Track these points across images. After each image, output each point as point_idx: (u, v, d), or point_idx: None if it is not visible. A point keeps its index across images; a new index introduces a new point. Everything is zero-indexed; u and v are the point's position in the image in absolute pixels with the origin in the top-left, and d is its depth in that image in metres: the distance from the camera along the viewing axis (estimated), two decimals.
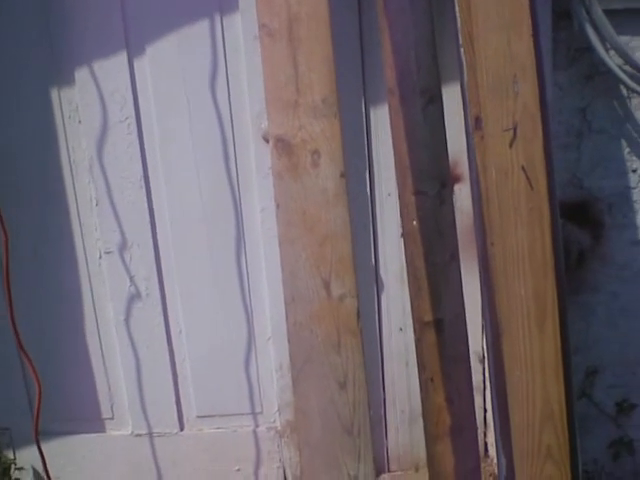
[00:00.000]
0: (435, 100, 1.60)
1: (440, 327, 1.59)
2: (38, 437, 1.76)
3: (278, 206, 1.73)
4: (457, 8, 1.62)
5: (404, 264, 1.92)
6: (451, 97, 1.73)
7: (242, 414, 2.01)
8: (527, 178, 1.57)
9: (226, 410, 2.02)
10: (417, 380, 1.88)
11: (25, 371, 2.02)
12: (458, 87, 1.69)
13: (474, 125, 1.62)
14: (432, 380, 1.63)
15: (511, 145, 1.57)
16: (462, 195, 1.90)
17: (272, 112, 1.70)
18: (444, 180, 1.60)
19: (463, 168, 1.88)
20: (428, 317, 1.60)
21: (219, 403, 2.02)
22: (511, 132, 1.57)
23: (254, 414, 2.02)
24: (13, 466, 2.05)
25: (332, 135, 1.70)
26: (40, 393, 1.73)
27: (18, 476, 2.05)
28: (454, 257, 1.61)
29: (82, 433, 2.07)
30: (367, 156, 1.91)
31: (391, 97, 1.63)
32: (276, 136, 1.71)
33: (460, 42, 1.64)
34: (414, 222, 1.60)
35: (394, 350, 2.01)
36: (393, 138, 1.65)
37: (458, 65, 1.67)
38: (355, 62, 1.83)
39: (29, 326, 2.01)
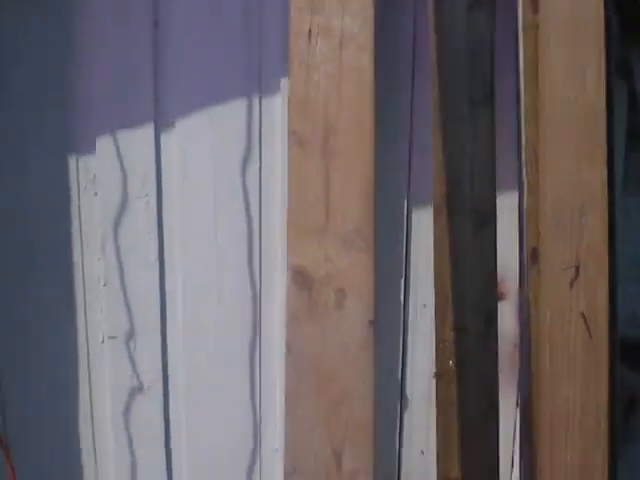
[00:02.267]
0: (489, 223, 1.42)
1: None
2: None
3: (289, 350, 1.51)
4: (523, 122, 1.45)
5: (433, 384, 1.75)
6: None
7: None
8: (586, 326, 1.39)
9: None
10: None
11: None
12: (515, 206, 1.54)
13: (530, 257, 1.45)
14: None
15: (571, 286, 1.39)
16: (504, 315, 1.71)
17: (293, 238, 1.50)
18: (490, 316, 1.41)
19: (509, 286, 1.70)
20: (455, 474, 1.39)
21: None
22: (572, 271, 1.40)
23: None
24: None
25: (363, 273, 1.47)
26: None
27: None
28: (493, 407, 1.41)
29: None
30: (404, 262, 1.73)
31: (437, 215, 1.45)
32: (295, 267, 1.49)
33: (523, 160, 1.47)
34: (450, 362, 1.41)
35: (413, 474, 1.82)
36: (435, 262, 1.46)
37: (518, 187, 1.50)
38: (401, 165, 1.66)
39: (20, 420, 1.84)
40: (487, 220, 1.40)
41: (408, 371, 1.77)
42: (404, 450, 1.81)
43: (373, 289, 1.49)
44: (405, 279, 1.74)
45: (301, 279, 1.49)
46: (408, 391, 1.78)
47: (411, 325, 1.77)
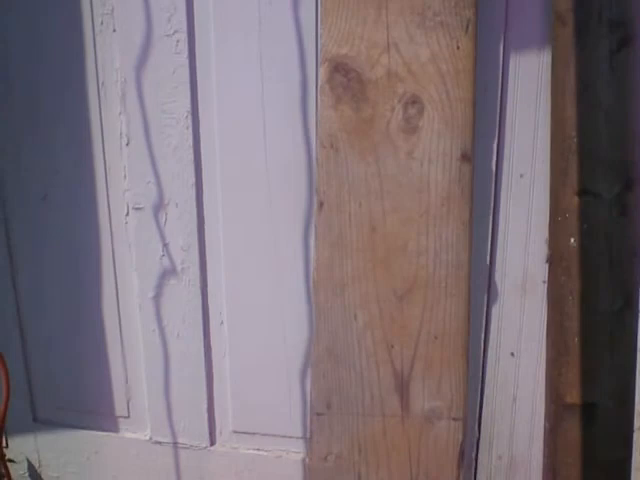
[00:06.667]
0: (631, 41, 1.01)
1: (591, 416, 0.99)
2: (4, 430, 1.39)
3: (321, 205, 1.08)
4: None
5: (528, 272, 1.41)
6: None
7: (290, 437, 1.54)
8: None
9: (271, 429, 1.55)
10: (524, 419, 1.40)
11: (25, 352, 1.61)
12: None
13: None
14: None
15: None
16: None
17: (330, 13, 1.06)
18: (630, 176, 1.00)
19: None
20: (573, 398, 0.99)
21: (263, 419, 1.55)
22: None
23: (306, 439, 1.55)
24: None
25: (455, 70, 1.02)
26: (8, 389, 1.36)
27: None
28: (629, 304, 1.01)
29: (90, 429, 1.65)
30: (498, 119, 1.35)
31: (560, 27, 1.04)
32: (333, 59, 1.05)
33: None
34: (572, 240, 1.02)
35: (500, 380, 1.50)
36: (553, 97, 1.07)
37: None
38: None
39: (32, 294, 1.60)
40: (629, 37, 0.99)
41: (498, 253, 1.42)
42: (490, 351, 1.48)
43: (472, 99, 1.09)
44: (498, 141, 1.37)
45: (343, 80, 1.06)
46: (497, 278, 1.44)
47: (503, 198, 1.40)
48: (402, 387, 1.09)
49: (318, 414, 1.15)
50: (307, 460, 1.14)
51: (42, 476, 1.69)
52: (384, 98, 1.05)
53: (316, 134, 1.20)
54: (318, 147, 1.14)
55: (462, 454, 1.12)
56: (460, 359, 1.11)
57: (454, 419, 1.12)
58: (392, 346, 1.07)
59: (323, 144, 1.11)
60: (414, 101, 1.05)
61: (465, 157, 1.08)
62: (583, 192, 0.94)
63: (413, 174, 1.07)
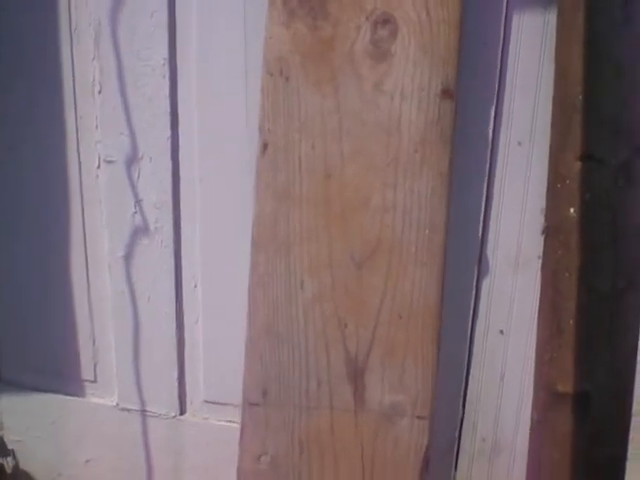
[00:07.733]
0: None
1: (584, 407, 0.87)
2: None
3: (265, 147, 0.94)
4: None
5: (522, 246, 1.33)
6: None
7: None
8: None
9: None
10: (511, 400, 1.33)
11: None
12: None
13: None
14: None
15: None
16: None
17: None
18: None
19: None
20: (565, 386, 0.88)
21: (235, 389, 1.47)
22: None
23: None
24: None
25: None
26: None
27: None
28: (633, 284, 0.90)
29: (55, 392, 1.57)
30: (497, 84, 1.26)
31: None
32: None
33: None
34: (571, 210, 0.92)
35: (487, 357, 1.42)
36: (558, 44, 0.96)
37: None
38: None
39: None
40: None
41: (492, 225, 1.34)
42: (478, 327, 1.40)
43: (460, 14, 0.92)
44: (496, 106, 1.28)
45: None
46: (489, 251, 1.35)
47: (499, 167, 1.31)
48: (356, 375, 0.94)
49: (251, 404, 0.99)
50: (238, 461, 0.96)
51: (4, 439, 1.62)
52: (348, 14, 0.89)
53: (265, 60, 1.03)
54: (264, 74, 0.98)
55: (427, 461, 0.96)
56: (430, 344, 0.96)
57: (419, 417, 0.96)
58: (345, 324, 0.92)
59: (270, 70, 0.96)
60: (386, 20, 0.89)
61: (447, 93, 0.94)
62: (586, 157, 0.84)
63: (380, 111, 0.91)
